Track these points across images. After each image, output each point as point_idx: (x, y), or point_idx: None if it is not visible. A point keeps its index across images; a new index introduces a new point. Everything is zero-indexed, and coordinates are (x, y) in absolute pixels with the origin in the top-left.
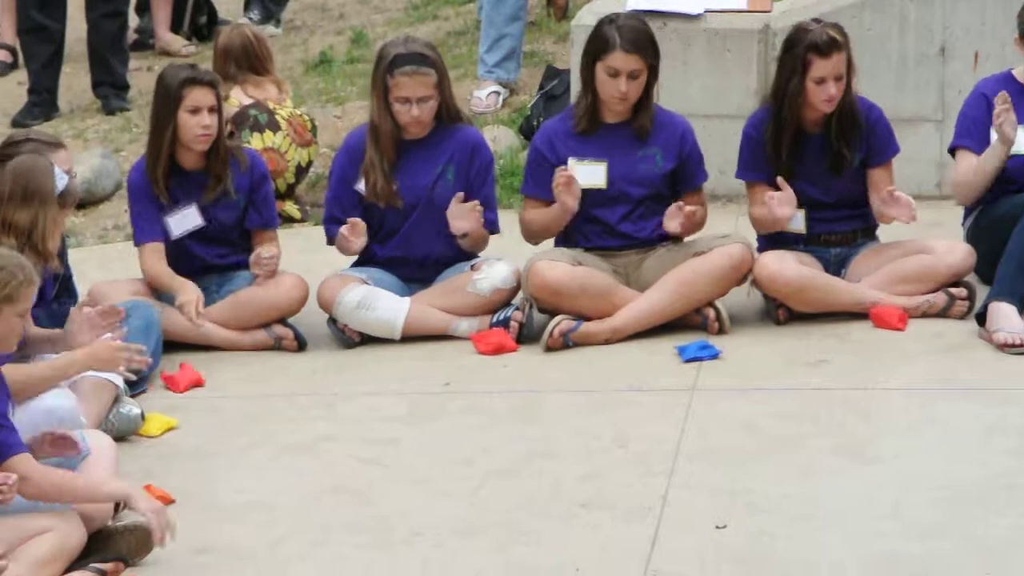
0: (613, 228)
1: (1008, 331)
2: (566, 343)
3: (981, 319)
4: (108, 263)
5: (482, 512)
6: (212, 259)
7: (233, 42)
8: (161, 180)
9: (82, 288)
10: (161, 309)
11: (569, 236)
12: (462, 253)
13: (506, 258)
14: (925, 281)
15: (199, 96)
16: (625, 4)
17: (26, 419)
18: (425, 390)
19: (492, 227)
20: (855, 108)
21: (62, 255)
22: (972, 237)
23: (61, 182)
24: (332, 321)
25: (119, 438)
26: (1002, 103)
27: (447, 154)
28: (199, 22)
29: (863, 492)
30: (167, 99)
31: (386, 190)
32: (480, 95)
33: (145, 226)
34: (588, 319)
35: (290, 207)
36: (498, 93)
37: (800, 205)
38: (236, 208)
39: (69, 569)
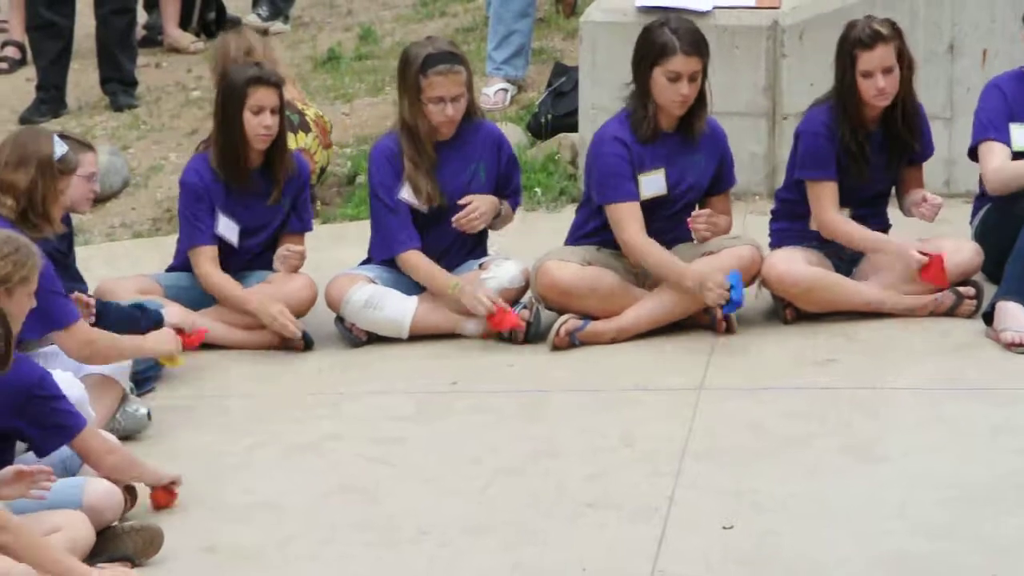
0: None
1: (1015, 330)
2: (572, 342)
3: (988, 318)
4: (115, 260)
5: (489, 511)
6: (244, 260)
7: (237, 49)
8: (246, 177)
9: (90, 285)
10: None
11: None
12: (471, 252)
13: (514, 257)
14: None
15: (263, 96)
16: (634, 1)
17: None
18: (432, 389)
19: (514, 207)
20: (916, 101)
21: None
22: (980, 236)
23: (60, 149)
24: (339, 320)
25: (126, 437)
26: None
27: (477, 152)
28: (207, 18)
29: (870, 492)
30: (232, 98)
31: (434, 192)
32: (488, 92)
33: (201, 228)
34: (596, 319)
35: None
36: (506, 90)
37: (857, 202)
38: (281, 211)
39: None
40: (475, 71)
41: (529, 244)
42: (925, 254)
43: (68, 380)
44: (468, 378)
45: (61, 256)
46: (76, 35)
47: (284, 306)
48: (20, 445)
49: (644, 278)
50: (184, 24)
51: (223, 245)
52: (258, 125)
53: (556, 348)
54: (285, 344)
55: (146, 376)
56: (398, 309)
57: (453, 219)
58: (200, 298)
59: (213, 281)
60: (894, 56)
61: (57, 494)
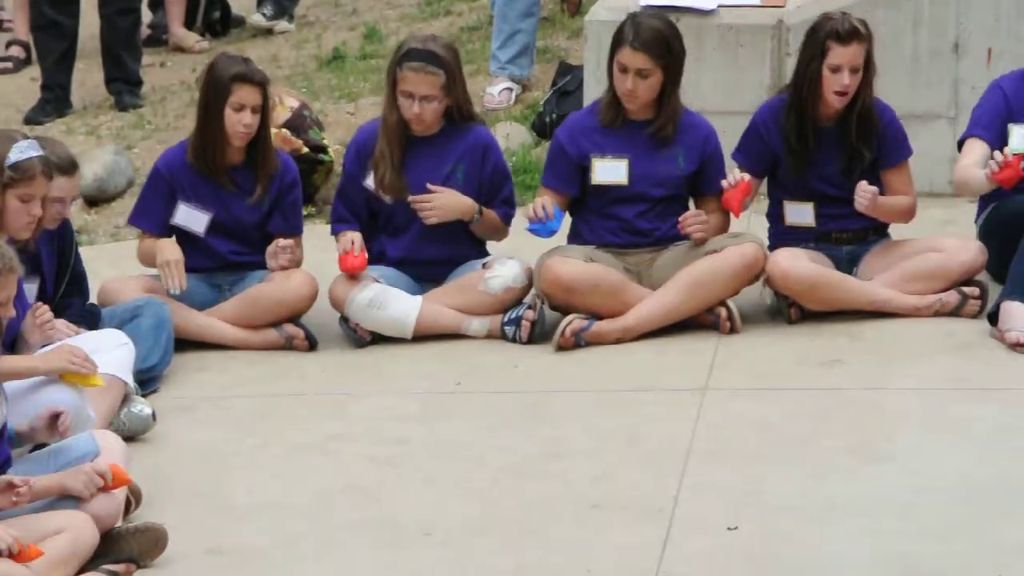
0: (630, 225)
1: (1020, 330)
2: (578, 342)
3: (993, 318)
4: (120, 261)
5: (493, 512)
6: (228, 256)
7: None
8: (222, 170)
9: (94, 285)
10: (173, 307)
11: (583, 232)
12: (474, 251)
13: (517, 256)
14: (937, 279)
15: (245, 94)
16: (638, 0)
17: (30, 412)
18: (436, 389)
19: (509, 221)
20: (872, 107)
21: (75, 253)
22: (984, 235)
23: (17, 154)
24: (344, 320)
25: (130, 437)
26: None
27: (456, 154)
28: (212, 18)
29: (876, 492)
30: (216, 91)
31: (395, 183)
32: (493, 91)
33: (146, 213)
34: (599, 317)
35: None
36: (511, 89)
37: (811, 199)
38: (258, 210)
39: (81, 570)
40: (479, 70)
41: (532, 244)
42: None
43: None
44: (473, 378)
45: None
46: (81, 35)
47: (181, 258)
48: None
49: (643, 276)
50: (189, 23)
51: (190, 238)
52: (238, 123)
53: (561, 348)
54: (289, 344)
55: (150, 376)
56: (402, 309)
57: (409, 197)
58: (202, 297)
59: (143, 249)
60: (863, 57)
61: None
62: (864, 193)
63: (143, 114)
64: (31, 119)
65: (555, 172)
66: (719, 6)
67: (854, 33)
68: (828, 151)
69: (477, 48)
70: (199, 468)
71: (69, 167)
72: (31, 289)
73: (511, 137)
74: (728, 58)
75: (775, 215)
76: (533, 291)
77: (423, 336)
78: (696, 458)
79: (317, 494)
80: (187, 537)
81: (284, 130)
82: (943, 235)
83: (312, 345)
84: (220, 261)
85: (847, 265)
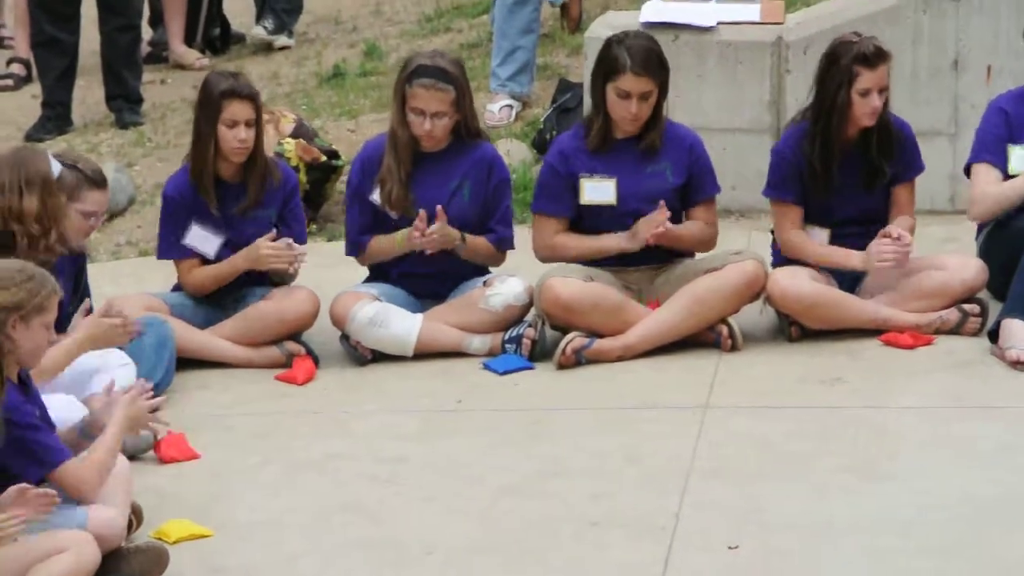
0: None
1: (1021, 348)
2: (579, 360)
3: (993, 336)
4: (121, 279)
5: (494, 530)
6: (241, 276)
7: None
8: (210, 189)
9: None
10: (174, 325)
11: None
12: (475, 269)
13: (519, 274)
14: (938, 297)
15: (236, 109)
16: (639, 16)
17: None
18: (437, 408)
19: (508, 244)
20: (891, 122)
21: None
22: (985, 253)
23: (56, 168)
24: (344, 338)
25: (132, 457)
26: None
27: (462, 170)
28: (212, 35)
29: (878, 510)
30: (207, 109)
31: (401, 199)
32: (493, 108)
33: (173, 242)
34: (600, 336)
35: None
36: (511, 107)
37: (832, 223)
38: (267, 224)
39: None
40: (480, 87)
41: (533, 262)
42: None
43: (70, 404)
44: (473, 396)
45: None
46: (81, 52)
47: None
48: None
49: (644, 294)
50: (189, 40)
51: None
52: (233, 139)
53: (562, 366)
54: (290, 361)
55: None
56: (403, 327)
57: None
58: (205, 315)
59: (198, 279)
60: (888, 76)
61: (61, 516)
62: (891, 250)
63: (144, 131)
64: (32, 137)
65: (548, 195)
66: (718, 23)
67: (880, 55)
68: (849, 171)
69: (477, 65)
70: (200, 486)
71: (102, 181)
72: None
73: (511, 154)
74: (727, 75)
75: None
76: (534, 309)
77: (424, 354)
78: (697, 476)
79: (317, 512)
80: (188, 555)
81: (300, 140)
82: (944, 253)
83: (314, 363)
84: (232, 281)
85: (850, 283)
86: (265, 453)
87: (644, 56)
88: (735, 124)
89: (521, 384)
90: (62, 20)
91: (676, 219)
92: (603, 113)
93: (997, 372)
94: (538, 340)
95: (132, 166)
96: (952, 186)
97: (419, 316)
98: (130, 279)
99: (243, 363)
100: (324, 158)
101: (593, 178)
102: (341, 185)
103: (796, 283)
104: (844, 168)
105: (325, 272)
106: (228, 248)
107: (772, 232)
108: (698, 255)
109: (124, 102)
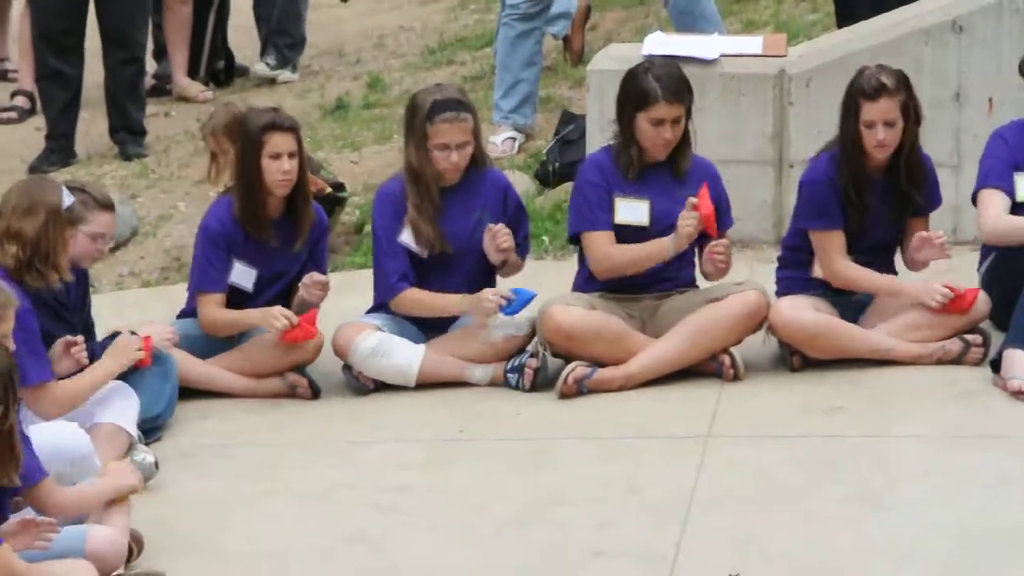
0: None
1: (1022, 378)
2: (580, 390)
3: (996, 366)
4: (123, 309)
5: (496, 560)
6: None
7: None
8: (265, 224)
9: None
10: (177, 356)
11: (592, 277)
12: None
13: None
14: (940, 327)
15: (279, 141)
16: (641, 49)
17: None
18: (440, 437)
19: (523, 255)
20: (919, 154)
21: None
22: (987, 283)
23: (68, 199)
24: (347, 368)
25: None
26: None
27: (480, 199)
28: (216, 67)
29: (879, 541)
30: (249, 145)
31: (435, 238)
32: (496, 140)
33: (212, 275)
34: (602, 364)
35: None
36: (514, 139)
37: (859, 249)
38: (299, 260)
39: None
40: (483, 119)
41: (536, 288)
42: (951, 289)
43: (72, 432)
44: (476, 426)
45: (59, 307)
46: (85, 84)
47: (283, 308)
48: None
49: (646, 324)
50: (192, 73)
51: (237, 292)
52: (277, 171)
53: (564, 396)
54: (292, 392)
55: (154, 425)
56: (405, 357)
57: (489, 230)
58: (208, 346)
59: (217, 319)
60: (898, 109)
61: (59, 543)
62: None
63: (147, 163)
64: (35, 169)
65: (591, 209)
66: (721, 55)
67: (881, 88)
68: (878, 199)
69: (480, 97)
70: (201, 517)
71: (109, 204)
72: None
73: (514, 186)
74: (730, 107)
75: (792, 260)
76: (536, 339)
77: (426, 384)
78: (698, 506)
79: (320, 542)
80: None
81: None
82: (946, 283)
83: (316, 393)
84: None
85: (853, 313)
86: (267, 483)
87: (674, 83)
88: (737, 156)
89: (523, 413)
90: (66, 53)
91: (694, 247)
92: (635, 144)
93: (999, 402)
94: (540, 369)
95: (135, 198)
96: (954, 218)
97: (421, 346)
98: (133, 310)
99: (246, 393)
100: (330, 189)
101: (627, 198)
102: (346, 217)
103: (798, 313)
104: (874, 196)
105: (328, 303)
106: (262, 283)
107: (778, 261)
108: (701, 285)
109: (128, 134)
